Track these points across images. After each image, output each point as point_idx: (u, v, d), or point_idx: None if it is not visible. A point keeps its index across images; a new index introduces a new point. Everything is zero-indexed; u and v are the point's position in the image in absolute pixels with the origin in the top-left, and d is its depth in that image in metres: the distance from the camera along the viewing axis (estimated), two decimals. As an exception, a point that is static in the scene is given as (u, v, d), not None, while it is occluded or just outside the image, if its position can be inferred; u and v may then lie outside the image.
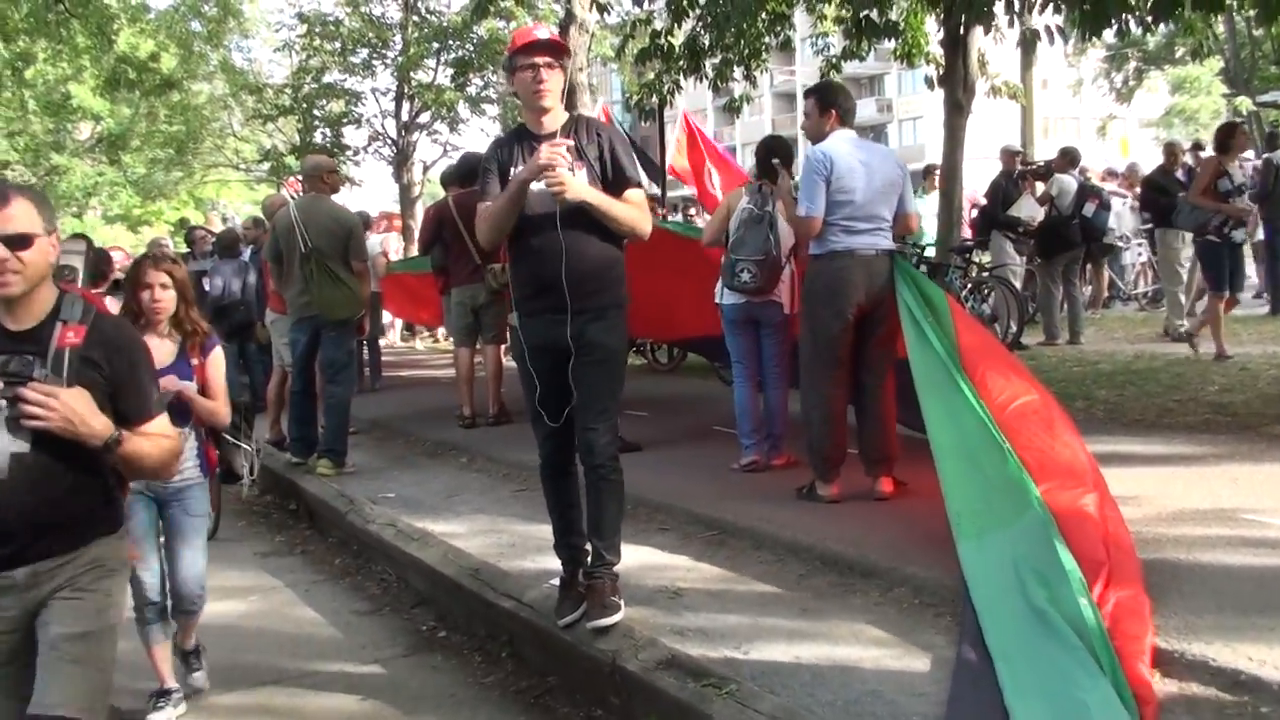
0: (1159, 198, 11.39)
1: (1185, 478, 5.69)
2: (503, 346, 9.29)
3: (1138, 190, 14.75)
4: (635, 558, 5.13)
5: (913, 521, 5.16)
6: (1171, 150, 12.13)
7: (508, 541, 5.85)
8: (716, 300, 6.71)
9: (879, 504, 5.67)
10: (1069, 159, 12.49)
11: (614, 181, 4.35)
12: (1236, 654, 3.47)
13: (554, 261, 4.23)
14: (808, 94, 6.08)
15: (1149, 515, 4.94)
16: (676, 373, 11.84)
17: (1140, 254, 15.14)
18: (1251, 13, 8.39)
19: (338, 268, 7.74)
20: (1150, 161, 15.69)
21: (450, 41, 23.23)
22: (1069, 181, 11.99)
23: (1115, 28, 7.77)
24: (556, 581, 4.72)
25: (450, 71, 23.45)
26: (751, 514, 5.64)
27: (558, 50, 4.33)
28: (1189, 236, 10.69)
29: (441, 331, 16.00)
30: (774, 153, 6.53)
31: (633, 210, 4.36)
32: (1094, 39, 8.20)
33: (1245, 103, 31.90)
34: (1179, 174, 11.51)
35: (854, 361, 5.74)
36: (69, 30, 18.97)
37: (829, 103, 5.87)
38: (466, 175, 8.71)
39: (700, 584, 4.90)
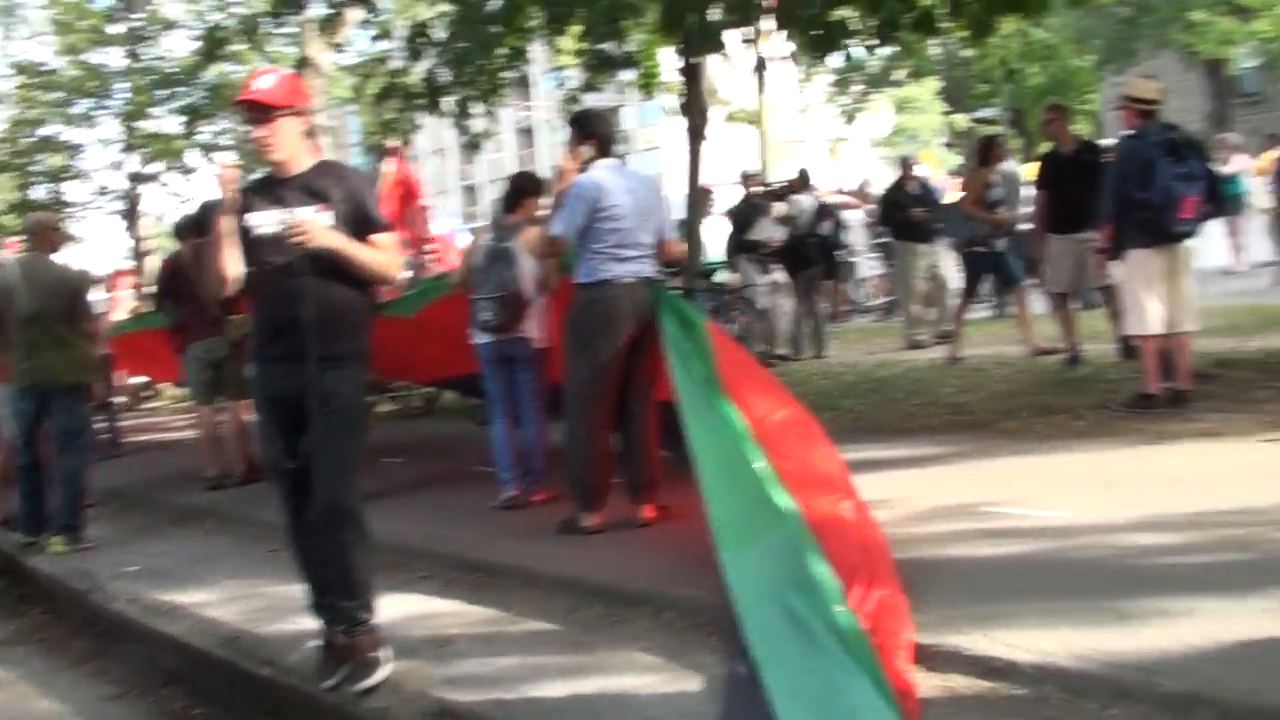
0: (895, 212, 11.91)
1: (930, 477, 5.93)
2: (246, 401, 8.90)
3: (869, 206, 15.45)
4: (399, 608, 4.95)
5: (677, 545, 5.17)
6: (906, 166, 12.65)
7: (264, 605, 5.53)
8: (471, 340, 6.60)
9: (642, 530, 5.67)
10: (804, 180, 12.99)
11: (361, 226, 4.20)
12: (993, 641, 3.58)
13: (292, 307, 4.06)
14: (569, 123, 6.06)
15: (900, 516, 5.10)
16: (431, 415, 11.63)
17: (874, 267, 15.82)
18: (962, 35, 8.91)
19: (64, 330, 7.33)
20: (880, 178, 16.46)
21: (178, 88, 22.30)
22: (806, 201, 12.45)
23: (841, 51, 8.12)
24: (319, 642, 4.49)
25: (182, 119, 22.49)
26: (516, 552, 5.55)
27: (270, 106, 4.15)
28: (921, 248, 11.26)
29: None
30: (523, 188, 6.50)
31: (380, 255, 4.24)
32: (821, 63, 8.63)
33: (961, 120, 34.11)
34: (913, 189, 12.02)
35: (619, 389, 5.73)
36: None
37: (589, 132, 5.83)
38: (204, 224, 8.32)
39: (468, 629, 4.76)
